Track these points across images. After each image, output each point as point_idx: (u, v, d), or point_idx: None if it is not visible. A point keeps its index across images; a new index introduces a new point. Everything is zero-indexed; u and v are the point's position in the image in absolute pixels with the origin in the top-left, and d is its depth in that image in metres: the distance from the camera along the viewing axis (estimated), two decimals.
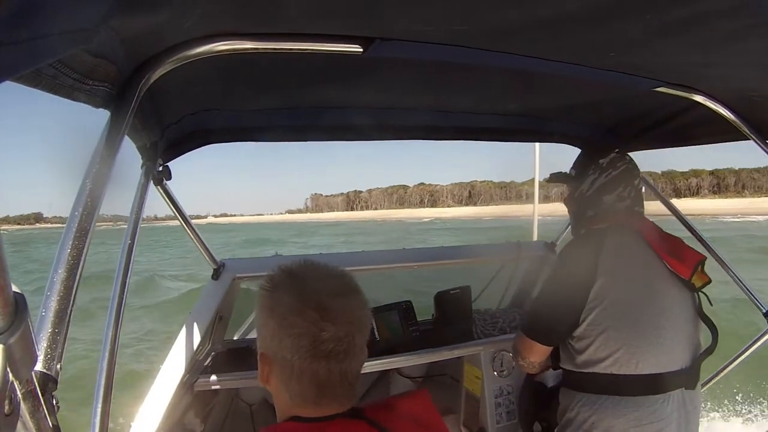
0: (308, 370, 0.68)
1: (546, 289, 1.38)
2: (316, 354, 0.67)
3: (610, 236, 1.31)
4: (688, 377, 1.25)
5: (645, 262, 1.30)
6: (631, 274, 1.28)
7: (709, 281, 1.31)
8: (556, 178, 1.56)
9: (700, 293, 1.33)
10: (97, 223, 0.62)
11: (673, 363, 1.23)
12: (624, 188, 1.38)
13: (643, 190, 1.44)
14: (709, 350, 1.28)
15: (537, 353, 1.34)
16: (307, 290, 0.70)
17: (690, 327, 1.29)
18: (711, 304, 1.32)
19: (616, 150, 1.45)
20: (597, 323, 1.23)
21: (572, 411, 1.28)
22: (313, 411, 0.70)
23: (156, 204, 1.28)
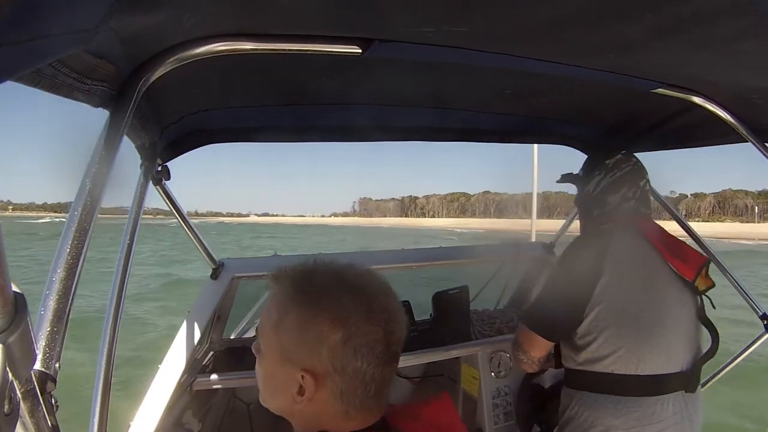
0: (379, 377, 0.64)
1: (550, 283, 1.38)
2: (388, 358, 0.65)
3: (616, 237, 1.31)
4: (688, 380, 1.25)
5: (649, 263, 1.30)
6: (635, 274, 1.28)
7: (713, 285, 1.31)
8: (565, 178, 1.59)
9: (703, 296, 1.32)
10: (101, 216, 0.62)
11: (673, 365, 1.23)
12: (629, 189, 1.39)
13: (649, 190, 1.44)
14: (709, 354, 1.29)
15: (538, 348, 1.33)
16: (366, 291, 0.65)
17: (691, 329, 1.29)
18: (714, 308, 1.32)
19: (623, 151, 1.46)
20: (599, 321, 1.24)
21: (572, 409, 1.28)
22: (352, 424, 0.66)
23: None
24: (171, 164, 1.24)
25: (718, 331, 1.31)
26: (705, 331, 1.33)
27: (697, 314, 1.31)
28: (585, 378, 1.27)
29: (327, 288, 0.65)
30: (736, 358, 1.63)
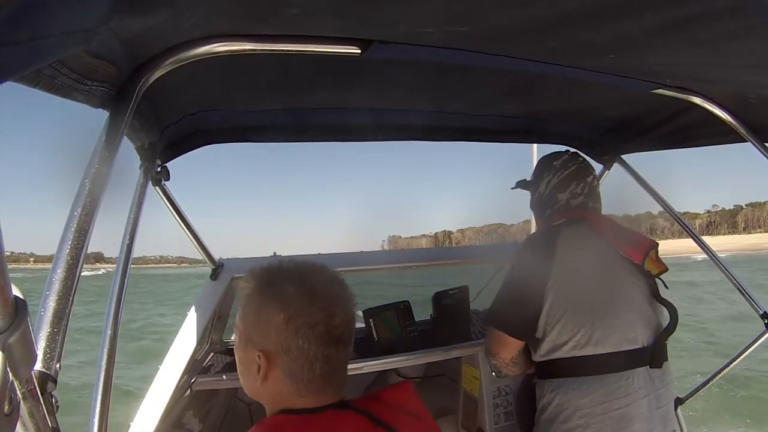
0: (322, 356, 0.71)
1: (508, 283, 1.41)
2: (330, 339, 0.71)
3: (563, 231, 1.37)
4: (651, 356, 1.29)
5: (598, 250, 1.35)
6: (585, 261, 1.33)
7: (666, 269, 1.36)
8: (519, 185, 1.64)
9: (656, 279, 1.37)
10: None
11: (632, 342, 1.28)
12: (576, 185, 1.45)
13: (597, 186, 1.50)
14: (669, 329, 1.33)
15: (509, 348, 1.37)
16: (311, 281, 0.73)
17: (647, 308, 1.34)
18: (667, 288, 1.37)
19: (570, 151, 1.52)
20: (555, 310, 1.28)
21: (544, 398, 1.33)
22: (307, 401, 0.72)
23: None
24: (172, 166, 1.24)
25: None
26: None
27: (652, 294, 1.36)
28: (550, 366, 1.32)
29: (279, 280, 0.74)
30: (737, 357, 1.63)
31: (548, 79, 1.10)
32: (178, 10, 0.65)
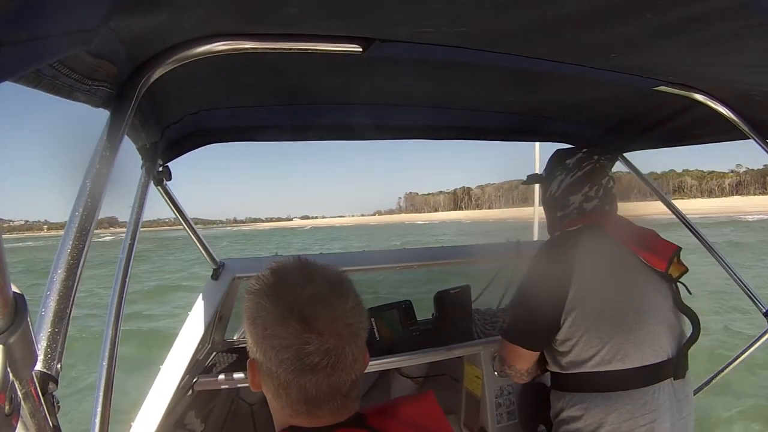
0: (295, 384, 0.63)
1: (523, 294, 1.36)
2: (302, 368, 0.62)
3: (583, 238, 1.31)
4: (675, 367, 1.26)
5: (620, 259, 1.30)
6: (607, 272, 1.28)
7: (686, 270, 1.31)
8: (531, 179, 1.58)
9: (677, 284, 1.33)
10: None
11: (658, 354, 1.24)
12: (590, 188, 1.38)
13: (613, 187, 1.43)
14: (692, 339, 1.29)
15: (523, 360, 1.33)
16: (290, 296, 0.64)
17: (672, 318, 1.30)
18: (690, 293, 1.33)
19: (584, 150, 1.45)
20: (578, 325, 1.24)
21: (565, 412, 1.28)
22: (308, 421, 0.66)
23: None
24: (174, 165, 1.24)
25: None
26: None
27: (675, 302, 1.32)
28: (572, 380, 1.27)
29: (259, 291, 0.66)
30: (740, 355, 1.62)
31: (550, 77, 1.10)
32: (178, 9, 0.65)
